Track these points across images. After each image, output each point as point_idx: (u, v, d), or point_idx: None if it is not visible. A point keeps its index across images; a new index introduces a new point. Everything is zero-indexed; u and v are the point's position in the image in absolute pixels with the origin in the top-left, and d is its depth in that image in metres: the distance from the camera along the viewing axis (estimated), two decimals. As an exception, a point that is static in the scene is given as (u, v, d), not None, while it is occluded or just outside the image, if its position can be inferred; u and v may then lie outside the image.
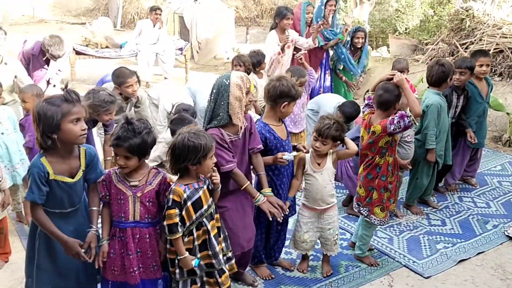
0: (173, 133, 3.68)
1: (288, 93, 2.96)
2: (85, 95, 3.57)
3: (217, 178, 2.56)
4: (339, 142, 3.14)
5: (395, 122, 3.09)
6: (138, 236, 2.49)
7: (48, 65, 5.08)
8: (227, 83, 2.71)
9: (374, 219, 3.36)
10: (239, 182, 2.79)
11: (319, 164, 3.15)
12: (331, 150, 3.16)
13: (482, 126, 4.59)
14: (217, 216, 2.65)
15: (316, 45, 5.88)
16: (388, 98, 3.24)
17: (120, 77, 4.24)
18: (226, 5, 12.60)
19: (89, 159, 2.45)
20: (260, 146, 2.94)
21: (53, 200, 2.36)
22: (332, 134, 3.03)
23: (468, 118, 4.51)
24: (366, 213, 3.37)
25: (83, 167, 2.43)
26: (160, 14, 8.54)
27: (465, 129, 4.44)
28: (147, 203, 2.50)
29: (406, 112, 3.08)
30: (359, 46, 6.07)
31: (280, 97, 2.98)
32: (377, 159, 3.30)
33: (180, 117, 3.83)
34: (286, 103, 2.99)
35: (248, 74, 4.46)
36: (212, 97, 2.77)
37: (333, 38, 6.02)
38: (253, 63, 4.81)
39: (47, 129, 2.25)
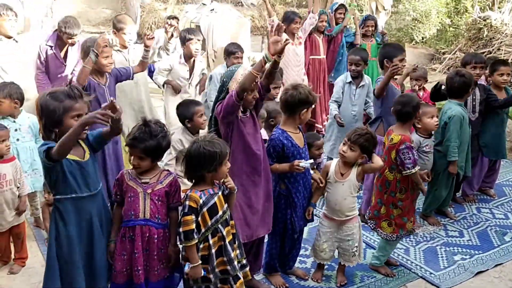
0: (180, 116, 3.71)
1: (306, 99, 2.98)
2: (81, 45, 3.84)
3: (230, 182, 2.58)
4: (364, 157, 3.13)
5: (408, 155, 3.19)
6: (147, 235, 2.51)
7: (66, 61, 5.01)
8: (233, 70, 2.84)
9: (381, 232, 3.34)
10: (248, 81, 2.68)
11: (342, 175, 3.12)
12: (358, 161, 3.12)
13: (501, 137, 4.53)
14: (232, 222, 2.65)
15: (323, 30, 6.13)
16: (408, 111, 3.32)
17: (121, 22, 4.44)
18: (242, 14, 12.70)
19: (87, 143, 2.50)
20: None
21: (67, 183, 2.36)
22: (361, 142, 3.02)
23: (486, 128, 4.46)
24: (373, 226, 3.38)
25: (88, 151, 2.48)
26: (177, 24, 8.63)
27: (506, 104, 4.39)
28: (157, 201, 2.53)
29: (416, 167, 3.24)
30: (369, 35, 6.33)
31: (299, 105, 2.99)
32: (386, 172, 3.31)
33: (185, 102, 3.87)
34: (305, 110, 3.01)
35: None
36: (220, 85, 2.89)
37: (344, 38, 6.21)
38: None
39: (49, 123, 2.32)
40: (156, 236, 2.52)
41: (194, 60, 5.01)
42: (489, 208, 4.53)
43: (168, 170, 2.68)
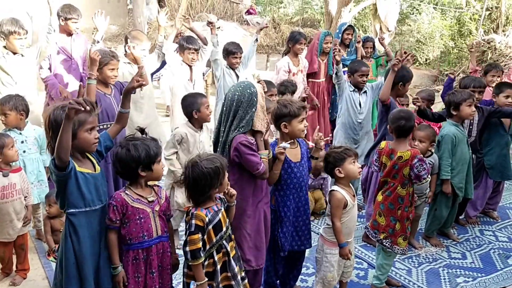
0: (187, 108, 3.70)
1: (281, 113, 2.98)
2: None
3: (232, 190, 2.58)
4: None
5: (422, 167, 3.21)
6: (161, 250, 2.52)
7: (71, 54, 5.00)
8: (254, 91, 2.80)
9: (398, 249, 3.31)
10: (268, 170, 2.83)
11: (354, 196, 3.10)
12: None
13: (506, 159, 4.53)
14: (233, 236, 2.67)
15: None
16: (412, 125, 3.37)
17: (136, 38, 4.57)
18: (248, 33, 12.84)
19: (96, 156, 2.52)
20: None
21: (82, 197, 2.37)
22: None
23: (490, 150, 4.46)
24: (389, 244, 3.32)
25: (97, 164, 2.50)
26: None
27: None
28: (163, 216, 2.55)
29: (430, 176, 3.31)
30: (368, 55, 6.43)
31: (277, 119, 3.02)
32: (399, 189, 3.29)
33: (192, 94, 3.90)
34: (285, 123, 2.99)
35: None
36: (239, 105, 2.79)
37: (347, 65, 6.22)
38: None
39: None
40: (168, 250, 2.55)
41: (191, 67, 5.07)
42: (492, 231, 4.51)
43: (157, 185, 2.65)
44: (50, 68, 4.88)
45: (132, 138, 2.51)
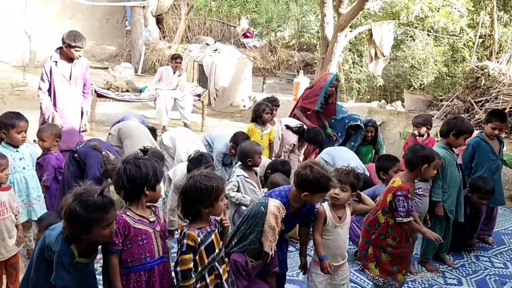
0: (189, 171, 3.68)
1: (311, 184, 2.75)
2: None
3: (227, 222, 2.56)
4: (355, 195, 3.08)
5: (403, 203, 3.08)
6: (162, 272, 2.46)
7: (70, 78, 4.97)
8: (264, 211, 2.76)
9: (368, 274, 3.24)
10: None
11: (340, 218, 3.01)
12: (348, 202, 3.07)
13: (498, 183, 4.54)
14: (226, 259, 2.63)
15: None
16: (410, 158, 3.24)
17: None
18: (245, 56, 12.97)
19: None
20: (276, 269, 3.01)
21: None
22: (351, 180, 2.97)
23: (482, 175, 4.46)
24: (361, 267, 3.29)
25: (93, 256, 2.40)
26: (180, 63, 8.80)
27: None
28: (163, 236, 2.51)
29: (410, 218, 3.09)
30: (369, 139, 6.14)
31: (302, 184, 2.79)
32: (379, 213, 3.22)
33: (197, 157, 3.80)
34: (307, 193, 2.79)
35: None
36: (245, 221, 2.84)
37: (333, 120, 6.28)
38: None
39: (78, 231, 2.20)
40: (169, 270, 2.49)
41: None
42: (488, 257, 4.48)
43: (155, 206, 2.58)
44: (49, 90, 4.92)
45: (139, 157, 2.47)
